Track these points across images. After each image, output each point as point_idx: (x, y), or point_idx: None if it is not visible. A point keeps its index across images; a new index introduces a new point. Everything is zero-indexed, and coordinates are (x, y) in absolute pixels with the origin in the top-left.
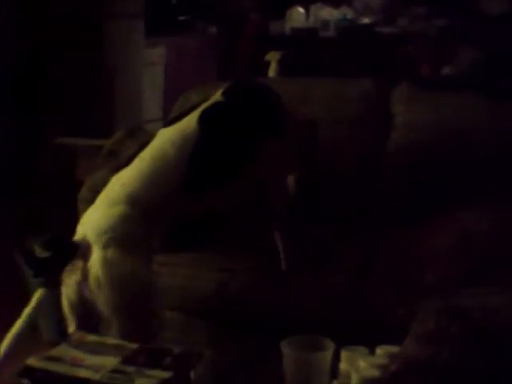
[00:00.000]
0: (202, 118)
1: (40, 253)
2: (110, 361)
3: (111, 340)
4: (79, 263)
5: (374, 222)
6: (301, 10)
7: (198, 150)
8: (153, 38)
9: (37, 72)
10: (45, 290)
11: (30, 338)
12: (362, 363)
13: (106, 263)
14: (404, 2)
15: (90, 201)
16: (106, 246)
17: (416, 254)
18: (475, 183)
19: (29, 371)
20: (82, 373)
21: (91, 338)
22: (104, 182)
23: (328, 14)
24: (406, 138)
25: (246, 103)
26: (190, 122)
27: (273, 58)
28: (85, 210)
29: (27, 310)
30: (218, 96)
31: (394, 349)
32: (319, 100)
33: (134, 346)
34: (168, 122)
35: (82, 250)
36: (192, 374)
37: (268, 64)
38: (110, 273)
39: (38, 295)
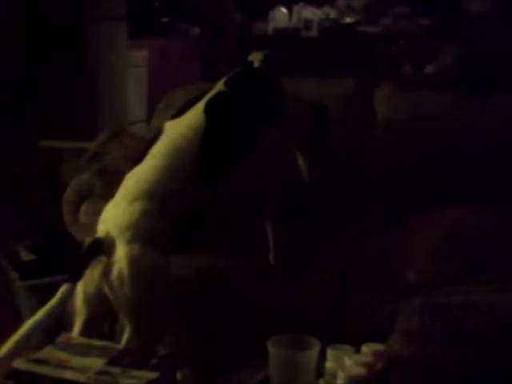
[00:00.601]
0: (207, 109)
1: (25, 256)
2: (96, 362)
3: (97, 342)
4: (102, 259)
5: (359, 220)
6: (283, 10)
7: (207, 141)
8: (136, 40)
9: (21, 75)
10: (69, 285)
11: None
12: (348, 361)
13: (132, 259)
14: (387, 1)
15: (75, 202)
16: (130, 242)
17: (401, 252)
18: (459, 182)
19: (15, 373)
20: (68, 375)
21: (77, 339)
22: (88, 184)
23: (311, 13)
24: (389, 137)
25: (248, 91)
26: (197, 113)
27: (256, 58)
28: (70, 211)
29: (49, 304)
30: (220, 86)
31: (379, 347)
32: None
33: (120, 347)
34: (173, 116)
35: (105, 247)
36: (178, 375)
37: (251, 64)
38: (135, 268)
39: (63, 290)
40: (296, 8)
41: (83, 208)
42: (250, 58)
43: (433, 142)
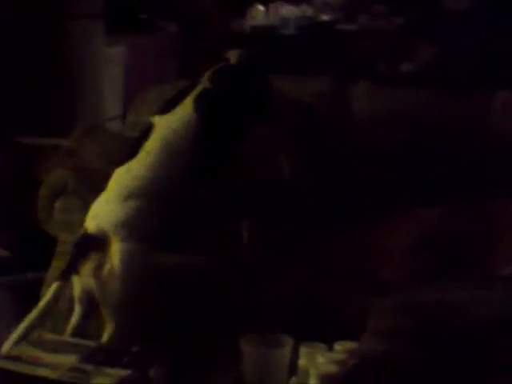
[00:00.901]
0: (197, 105)
1: None
2: (69, 359)
3: (70, 338)
4: (94, 255)
5: (334, 218)
6: (261, 7)
7: (199, 137)
8: (113, 37)
9: None
10: (60, 283)
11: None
12: (321, 359)
13: (125, 256)
14: None
15: (49, 199)
16: (124, 239)
17: (374, 250)
18: (435, 179)
19: None
20: (41, 371)
21: (50, 336)
22: (63, 181)
23: (288, 11)
24: (366, 135)
25: (233, 88)
26: (186, 109)
27: (232, 56)
28: (44, 208)
29: (42, 302)
30: (206, 82)
31: (352, 345)
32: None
33: (93, 344)
34: (159, 110)
35: (97, 243)
36: (151, 373)
37: (228, 62)
38: (127, 266)
39: (53, 287)
40: (273, 6)
41: (58, 204)
42: (227, 55)
43: (409, 140)
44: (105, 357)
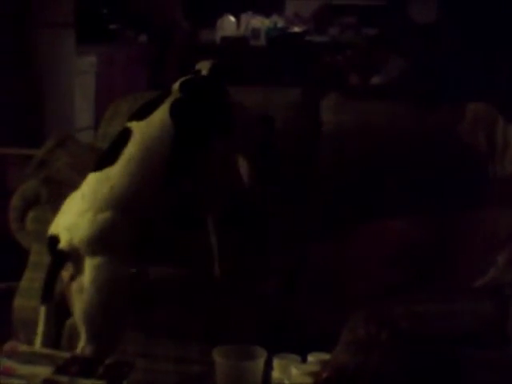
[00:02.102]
0: (173, 113)
1: None
2: (43, 370)
3: (44, 350)
4: (69, 267)
5: (305, 230)
6: (231, 18)
7: (175, 142)
8: (84, 47)
9: None
10: (45, 305)
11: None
12: (294, 371)
13: (93, 269)
14: (334, 11)
15: (21, 209)
16: (94, 253)
17: (347, 262)
18: (406, 191)
19: None
20: (15, 383)
21: (24, 347)
22: (35, 192)
23: (259, 22)
24: (335, 147)
25: (199, 100)
26: (164, 114)
27: (203, 67)
28: (16, 218)
29: (40, 329)
30: (176, 92)
31: (325, 356)
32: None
33: (67, 355)
34: (134, 116)
35: (72, 258)
36: (125, 383)
37: (199, 73)
38: (96, 279)
39: (42, 313)
40: (244, 17)
41: (30, 215)
42: (197, 66)
43: (378, 152)
44: (79, 368)
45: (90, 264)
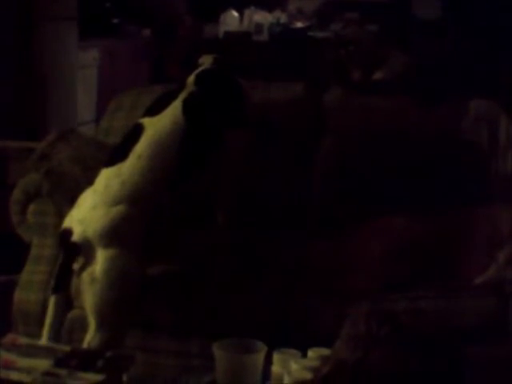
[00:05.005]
0: (186, 109)
1: None
2: (43, 363)
3: (43, 343)
4: (80, 259)
5: (306, 225)
6: (235, 13)
7: (187, 138)
8: (86, 41)
9: None
10: (56, 296)
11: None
12: (294, 365)
13: (105, 261)
14: (337, 7)
15: (23, 203)
16: (106, 246)
17: (348, 258)
18: (407, 187)
19: None
20: (14, 375)
21: (23, 340)
22: (36, 185)
23: (262, 17)
24: (338, 143)
25: (214, 91)
26: (176, 110)
27: (206, 61)
28: (17, 212)
29: (48, 319)
30: (190, 85)
31: (325, 351)
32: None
33: (67, 348)
34: (148, 111)
35: (83, 249)
36: (124, 377)
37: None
38: (107, 271)
39: (51, 303)
40: (247, 12)
41: (31, 208)
42: (200, 60)
43: (380, 148)
44: (79, 361)
45: (102, 256)
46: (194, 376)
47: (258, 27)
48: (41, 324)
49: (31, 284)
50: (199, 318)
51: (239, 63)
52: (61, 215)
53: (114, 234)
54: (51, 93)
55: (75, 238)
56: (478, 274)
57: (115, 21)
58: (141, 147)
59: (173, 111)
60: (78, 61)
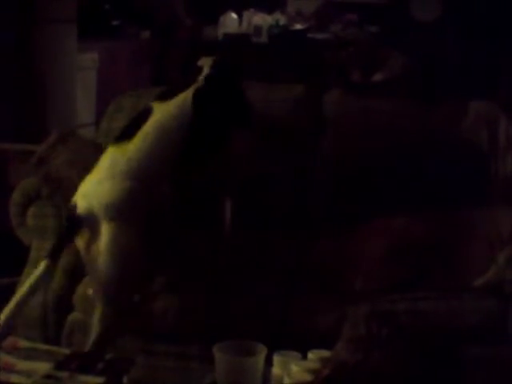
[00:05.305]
0: (196, 96)
1: None
2: (43, 366)
3: (43, 346)
4: (84, 233)
5: (307, 226)
6: (234, 15)
7: (194, 126)
8: (85, 43)
9: None
10: (48, 261)
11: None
12: (295, 367)
13: (111, 235)
14: (336, 8)
15: (22, 205)
16: (112, 219)
17: (348, 259)
18: (408, 189)
19: None
20: (14, 378)
21: (23, 343)
22: (36, 188)
23: (261, 19)
24: (338, 144)
25: (225, 92)
26: (187, 97)
27: (205, 63)
28: (17, 214)
29: (31, 279)
30: (206, 68)
31: (325, 353)
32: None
33: (67, 351)
34: (158, 97)
35: (86, 222)
36: (125, 379)
37: (200, 69)
38: (113, 245)
39: (42, 266)
40: (246, 14)
41: (31, 211)
42: (199, 62)
43: (380, 149)
44: (79, 364)
45: (106, 230)
46: (193, 378)
47: (257, 29)
48: (41, 327)
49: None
50: (199, 319)
51: (239, 65)
52: (60, 218)
53: (118, 208)
54: (50, 95)
55: (80, 211)
56: (478, 275)
57: (114, 23)
58: (148, 127)
59: (183, 99)
60: (77, 63)
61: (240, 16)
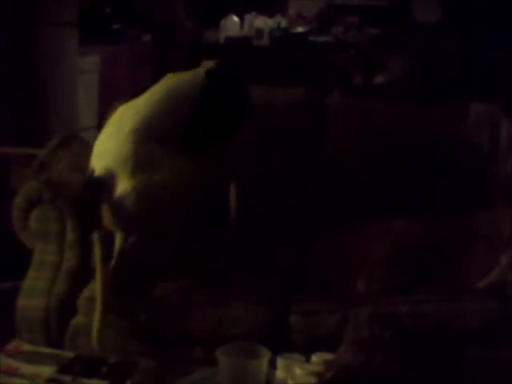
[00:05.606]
0: (208, 73)
1: None
2: (46, 370)
3: (47, 349)
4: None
5: (308, 229)
6: (235, 18)
7: (205, 97)
8: (87, 46)
9: None
10: (97, 231)
11: None
12: (298, 371)
13: (139, 191)
14: (338, 11)
15: (25, 209)
16: (132, 174)
17: (350, 261)
18: (408, 191)
19: None
20: (18, 382)
21: (27, 347)
22: (38, 192)
23: (262, 22)
24: (340, 146)
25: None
26: (198, 72)
27: (207, 66)
28: (19, 218)
29: (97, 257)
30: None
31: (329, 356)
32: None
33: (70, 355)
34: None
35: (106, 183)
36: (128, 383)
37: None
38: (145, 198)
39: (96, 238)
40: (247, 17)
41: (33, 215)
42: (201, 65)
43: (381, 151)
44: (82, 367)
45: (131, 188)
46: (196, 379)
47: (259, 32)
48: (45, 330)
49: (34, 290)
50: (202, 322)
51: (240, 68)
52: (63, 221)
53: (136, 160)
54: (52, 98)
55: (98, 172)
56: (481, 277)
57: (116, 26)
58: (158, 86)
59: (195, 72)
60: (78, 66)
61: (241, 19)
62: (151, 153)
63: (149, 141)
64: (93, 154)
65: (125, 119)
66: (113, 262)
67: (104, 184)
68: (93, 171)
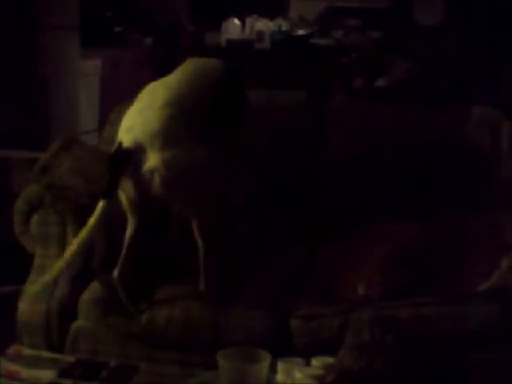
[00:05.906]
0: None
1: None
2: (47, 374)
3: (47, 353)
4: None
5: (309, 232)
6: (236, 21)
7: (223, 82)
8: (88, 50)
9: None
10: (106, 200)
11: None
12: (299, 374)
13: (170, 164)
14: (339, 14)
15: (26, 213)
16: (162, 149)
17: (350, 265)
18: (409, 193)
19: None
20: None
21: (27, 351)
22: (39, 196)
23: (263, 25)
24: (340, 150)
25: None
26: (219, 61)
27: (191, 63)
28: (20, 222)
29: (92, 221)
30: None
31: (329, 360)
32: (253, 111)
33: (71, 359)
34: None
35: (134, 156)
36: None
37: None
38: (177, 172)
39: (101, 206)
40: (249, 20)
41: (34, 219)
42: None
43: (382, 154)
44: (83, 371)
45: (162, 161)
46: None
47: (260, 35)
48: (45, 334)
49: (35, 294)
50: (203, 326)
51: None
52: (64, 225)
53: (166, 135)
54: (53, 102)
55: (126, 144)
56: (481, 280)
57: (117, 29)
58: (186, 64)
59: (214, 59)
60: (80, 69)
61: (243, 22)
62: (180, 130)
63: (179, 117)
64: (121, 128)
65: (156, 95)
66: (124, 249)
67: (131, 157)
68: (121, 143)
